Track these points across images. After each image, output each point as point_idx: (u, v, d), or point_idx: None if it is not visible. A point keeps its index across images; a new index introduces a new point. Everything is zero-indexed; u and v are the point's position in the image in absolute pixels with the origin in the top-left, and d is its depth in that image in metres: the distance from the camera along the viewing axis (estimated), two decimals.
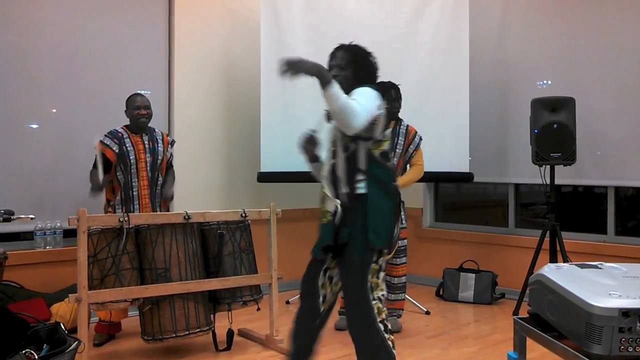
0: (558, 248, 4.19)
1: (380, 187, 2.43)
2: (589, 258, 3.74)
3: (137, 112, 3.75)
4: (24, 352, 2.35)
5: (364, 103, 2.31)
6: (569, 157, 4.18)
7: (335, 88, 2.25)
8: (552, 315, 2.02)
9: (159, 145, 3.86)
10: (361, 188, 2.41)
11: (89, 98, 4.34)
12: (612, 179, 4.50)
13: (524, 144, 4.51)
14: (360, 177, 2.42)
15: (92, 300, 3.14)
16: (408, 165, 4.10)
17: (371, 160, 2.44)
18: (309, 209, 5.13)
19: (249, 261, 3.66)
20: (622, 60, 4.42)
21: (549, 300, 2.03)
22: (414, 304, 4.59)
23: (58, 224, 4.14)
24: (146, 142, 3.80)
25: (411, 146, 4.03)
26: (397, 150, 3.97)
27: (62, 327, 2.61)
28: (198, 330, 3.43)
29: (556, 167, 4.29)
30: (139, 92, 3.91)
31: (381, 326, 2.36)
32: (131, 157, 3.72)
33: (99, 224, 3.25)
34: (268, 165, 4.70)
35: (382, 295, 2.42)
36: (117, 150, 3.70)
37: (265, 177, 4.72)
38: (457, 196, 5.93)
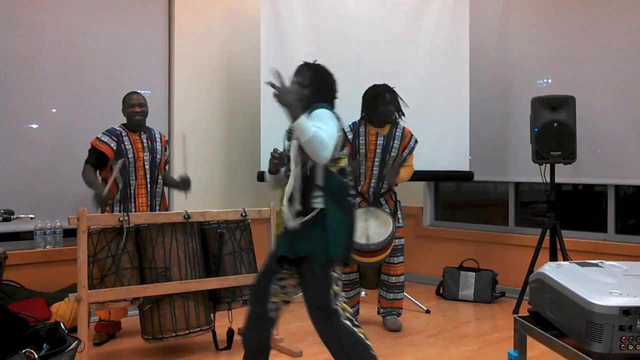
0: (558, 246, 4.19)
1: (337, 203, 2.54)
2: (589, 256, 3.73)
3: (132, 109, 3.75)
4: (24, 351, 2.35)
5: (327, 130, 2.44)
6: (569, 156, 4.18)
7: (303, 122, 2.39)
8: (552, 314, 2.02)
9: (158, 144, 3.86)
10: (319, 203, 2.52)
11: (89, 98, 4.34)
12: (612, 177, 4.50)
13: (524, 143, 4.51)
14: (318, 192, 2.53)
15: (92, 300, 3.14)
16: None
17: (329, 176, 2.56)
18: None
19: (249, 260, 3.66)
20: (622, 58, 4.41)
21: (549, 299, 2.03)
22: (414, 302, 4.59)
23: (58, 224, 4.14)
24: (144, 141, 3.80)
25: (406, 150, 4.02)
26: (392, 153, 3.97)
27: (62, 326, 2.61)
28: (198, 329, 3.43)
29: (556, 165, 4.29)
30: (135, 90, 3.90)
31: (348, 323, 2.46)
32: (129, 155, 3.72)
33: (99, 223, 3.25)
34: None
35: (342, 297, 2.55)
36: (114, 148, 3.70)
37: None
38: (457, 195, 5.92)
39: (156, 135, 3.89)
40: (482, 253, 5.11)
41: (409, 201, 5.59)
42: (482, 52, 5.09)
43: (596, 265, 2.18)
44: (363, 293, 4.86)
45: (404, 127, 4.04)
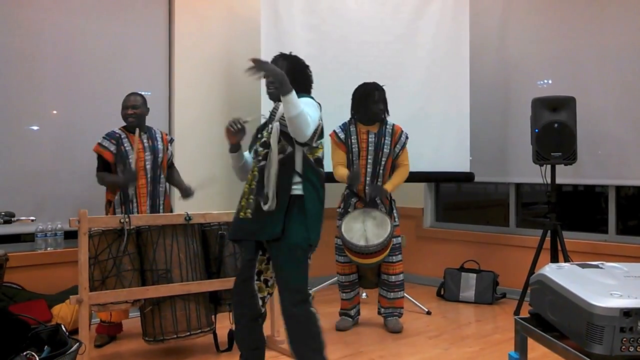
0: (559, 248, 4.19)
1: (314, 190, 2.63)
2: (590, 258, 3.73)
3: (125, 111, 3.77)
4: (24, 353, 2.35)
5: (311, 114, 2.52)
6: (570, 157, 4.18)
7: (295, 97, 2.45)
8: (553, 315, 2.02)
9: (159, 142, 3.86)
10: (298, 190, 2.60)
11: (90, 99, 4.34)
12: (613, 178, 4.50)
13: (525, 144, 4.51)
14: (297, 179, 2.61)
15: (93, 302, 3.14)
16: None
17: (306, 164, 2.63)
18: None
19: None
20: (622, 59, 4.41)
21: (550, 300, 2.03)
22: (415, 304, 4.59)
23: (59, 226, 4.14)
24: (145, 141, 3.81)
25: (398, 145, 4.03)
26: (384, 150, 3.98)
27: (63, 328, 2.60)
28: (199, 331, 3.43)
29: (557, 166, 4.29)
30: (135, 92, 3.90)
31: (314, 310, 2.61)
32: (130, 157, 3.72)
33: (100, 225, 3.25)
34: None
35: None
36: (114, 151, 3.71)
37: None
38: (458, 196, 5.92)
39: (157, 134, 3.90)
40: (483, 254, 5.10)
41: (410, 202, 5.59)
42: (482, 52, 5.09)
43: (597, 266, 2.18)
44: (364, 295, 4.86)
45: (393, 124, 4.06)
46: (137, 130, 3.75)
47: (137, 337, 3.75)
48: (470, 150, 4.80)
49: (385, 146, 3.98)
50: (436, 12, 4.83)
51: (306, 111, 2.48)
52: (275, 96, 2.69)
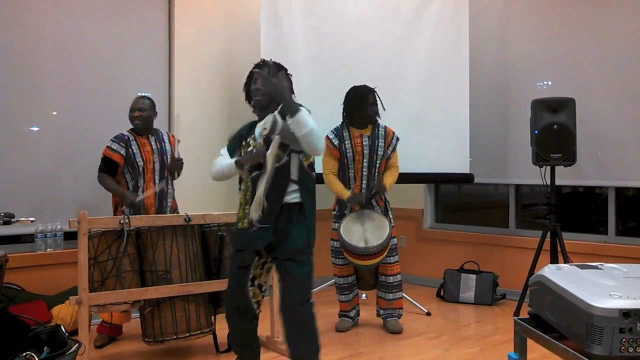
0: (559, 249, 4.19)
1: (310, 197, 2.70)
2: (589, 259, 3.73)
3: (132, 114, 3.79)
4: (24, 354, 2.35)
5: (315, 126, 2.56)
6: (570, 158, 4.18)
7: (305, 114, 2.51)
8: (552, 316, 2.02)
9: (166, 144, 3.88)
10: (296, 198, 2.65)
11: (90, 100, 4.34)
12: (613, 179, 4.50)
13: (524, 145, 4.51)
14: (294, 187, 2.65)
15: (93, 303, 3.14)
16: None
17: (302, 171, 2.68)
18: None
19: None
20: (622, 60, 4.42)
21: (549, 301, 2.03)
22: (415, 305, 4.59)
23: (58, 227, 4.14)
24: (153, 144, 3.82)
25: (390, 148, 4.05)
26: (378, 152, 3.98)
27: (63, 329, 2.60)
28: (199, 332, 3.43)
29: (556, 167, 4.29)
30: (143, 94, 3.91)
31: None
32: (138, 160, 3.73)
33: (100, 226, 3.25)
34: None
35: None
36: (124, 154, 3.72)
37: None
38: (457, 197, 5.93)
39: (164, 136, 3.91)
40: (482, 255, 5.10)
41: (409, 203, 5.59)
42: (482, 53, 5.09)
43: (596, 267, 2.18)
44: (364, 296, 4.86)
45: (385, 126, 4.06)
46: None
47: (137, 338, 3.75)
48: (470, 151, 4.79)
49: (379, 149, 3.99)
50: (436, 13, 4.83)
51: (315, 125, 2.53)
52: (261, 104, 2.76)
